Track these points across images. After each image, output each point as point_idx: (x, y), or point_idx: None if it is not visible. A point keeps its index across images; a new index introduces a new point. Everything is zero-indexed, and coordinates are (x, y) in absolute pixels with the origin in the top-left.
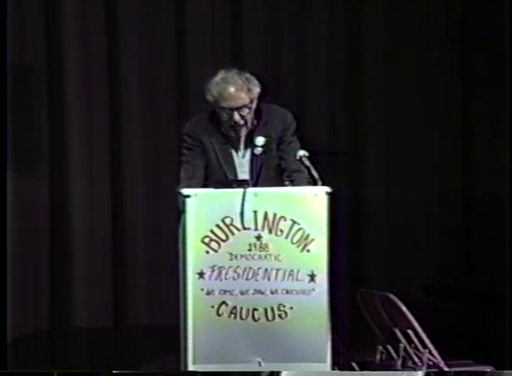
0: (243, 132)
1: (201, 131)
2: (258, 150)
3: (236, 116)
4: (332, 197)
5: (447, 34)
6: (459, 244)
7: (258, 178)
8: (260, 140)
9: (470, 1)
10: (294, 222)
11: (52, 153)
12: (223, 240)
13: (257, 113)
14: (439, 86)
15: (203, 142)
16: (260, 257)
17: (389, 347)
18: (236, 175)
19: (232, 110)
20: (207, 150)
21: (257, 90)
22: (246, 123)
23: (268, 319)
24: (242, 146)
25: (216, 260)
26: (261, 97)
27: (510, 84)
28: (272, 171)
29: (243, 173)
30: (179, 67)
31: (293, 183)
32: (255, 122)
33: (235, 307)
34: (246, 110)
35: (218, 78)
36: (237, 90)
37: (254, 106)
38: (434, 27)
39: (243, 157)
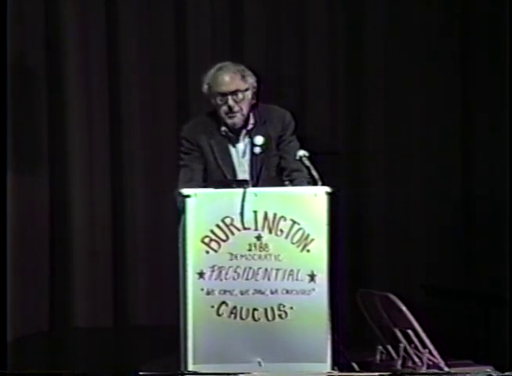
0: (239, 120)
1: (199, 134)
2: (257, 150)
3: (231, 101)
4: (332, 196)
5: (447, 34)
6: (460, 244)
7: (259, 178)
8: (259, 139)
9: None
10: (294, 222)
11: (52, 153)
12: (223, 240)
13: (256, 112)
14: (439, 86)
15: (201, 146)
16: (260, 257)
17: (389, 347)
18: (235, 175)
19: (225, 95)
20: (205, 152)
21: (251, 80)
22: (241, 110)
23: (268, 319)
24: (241, 145)
25: (216, 260)
26: (259, 97)
27: (510, 84)
28: (272, 171)
29: (243, 172)
30: (179, 68)
31: (292, 183)
32: (253, 121)
33: (235, 307)
34: (240, 96)
35: (212, 69)
36: (231, 76)
37: (249, 95)
38: (434, 26)
39: (243, 156)
